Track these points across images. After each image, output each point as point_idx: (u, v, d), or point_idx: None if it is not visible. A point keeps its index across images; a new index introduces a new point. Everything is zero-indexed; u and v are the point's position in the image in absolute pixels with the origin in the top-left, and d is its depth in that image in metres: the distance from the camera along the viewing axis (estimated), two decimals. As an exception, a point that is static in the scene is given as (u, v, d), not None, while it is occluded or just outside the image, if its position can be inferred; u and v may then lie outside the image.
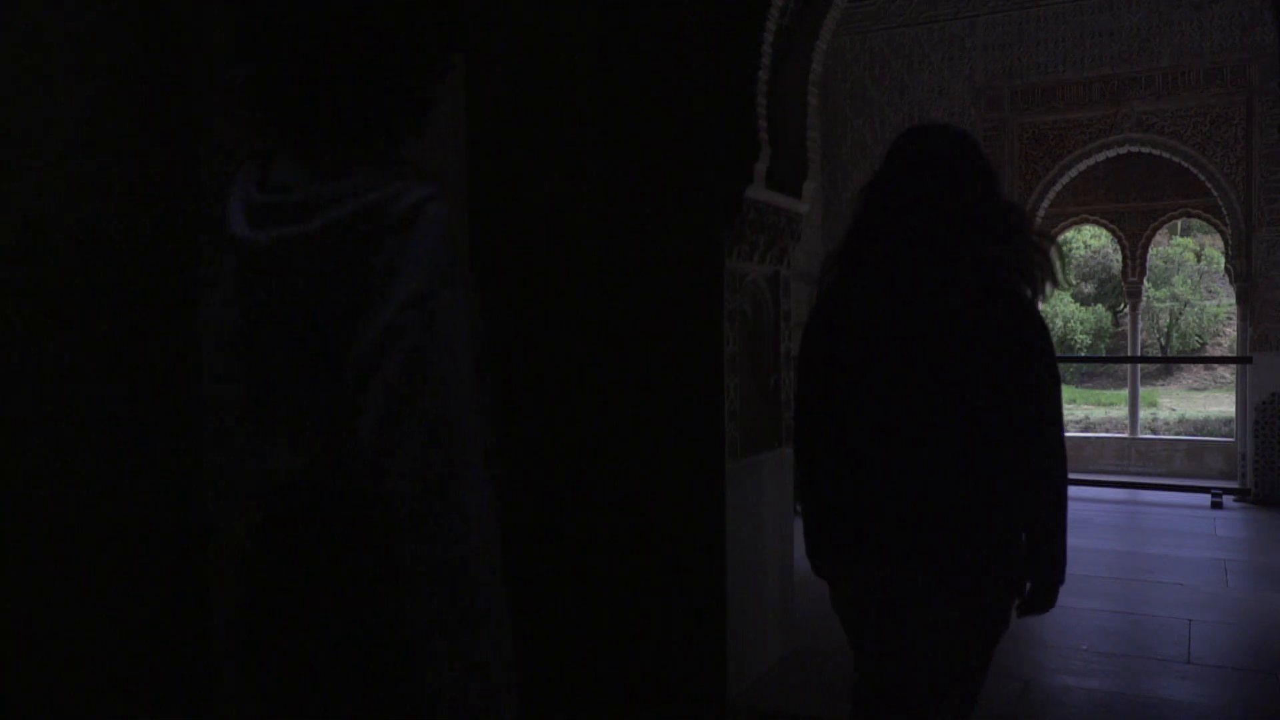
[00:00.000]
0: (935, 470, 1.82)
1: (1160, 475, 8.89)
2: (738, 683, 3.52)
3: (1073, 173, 8.10)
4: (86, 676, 2.03)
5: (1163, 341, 21.61)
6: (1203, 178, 7.71)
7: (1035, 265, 1.88)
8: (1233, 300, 9.51)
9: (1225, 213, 7.73)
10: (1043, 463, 1.86)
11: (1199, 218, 9.68)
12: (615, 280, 3.58)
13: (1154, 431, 14.24)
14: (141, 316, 2.11)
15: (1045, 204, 8.22)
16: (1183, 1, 7.49)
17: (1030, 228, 1.94)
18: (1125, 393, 12.58)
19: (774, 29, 3.57)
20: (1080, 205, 9.51)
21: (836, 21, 3.88)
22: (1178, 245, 22.29)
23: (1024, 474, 1.85)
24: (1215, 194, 7.72)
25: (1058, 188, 8.18)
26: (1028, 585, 1.91)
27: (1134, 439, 9.76)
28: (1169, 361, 21.68)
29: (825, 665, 3.80)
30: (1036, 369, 1.85)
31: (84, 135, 2.01)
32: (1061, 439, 1.90)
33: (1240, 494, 7.56)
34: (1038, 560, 1.89)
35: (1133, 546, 6.16)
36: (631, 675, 3.53)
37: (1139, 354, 11.51)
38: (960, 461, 1.82)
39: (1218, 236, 10.52)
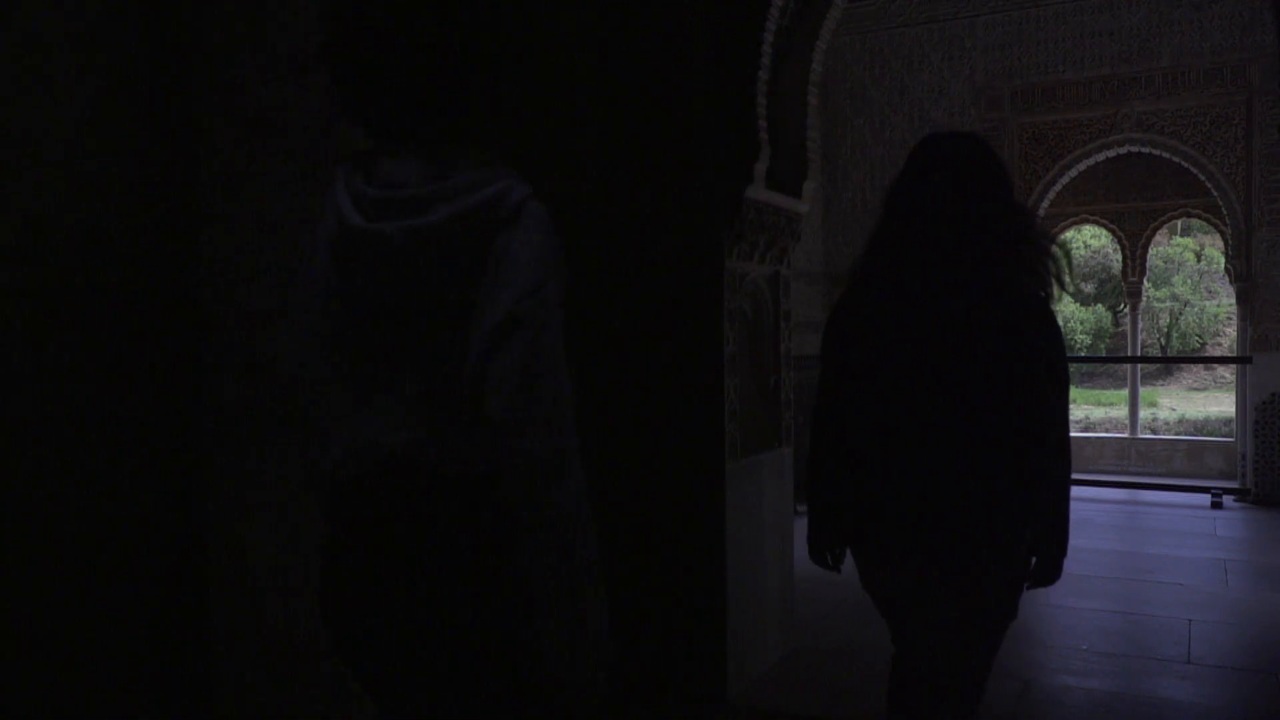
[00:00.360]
0: (943, 468, 1.87)
1: (1160, 475, 8.89)
2: (738, 683, 3.52)
3: (1073, 173, 8.10)
4: (86, 676, 2.03)
5: (1163, 341, 21.61)
6: (1203, 178, 7.71)
7: (1043, 268, 1.94)
8: (1233, 300, 9.50)
9: (1225, 213, 7.73)
10: (1046, 462, 1.91)
11: (1199, 218, 9.68)
12: (615, 280, 3.58)
13: (1154, 431, 14.24)
14: (141, 316, 2.11)
15: (1045, 204, 8.21)
16: (1183, 1, 7.49)
17: (1038, 232, 2.01)
18: (1125, 393, 12.58)
19: (774, 29, 3.57)
20: (1080, 205, 9.51)
21: (836, 21, 3.88)
22: (1178, 245, 22.28)
23: (1030, 472, 1.90)
24: (1215, 194, 7.72)
25: (1058, 188, 8.18)
26: (1033, 560, 1.97)
27: (1134, 439, 9.76)
28: (1169, 361, 21.68)
29: (825, 665, 3.80)
30: (1045, 369, 1.89)
31: (84, 135, 2.01)
32: (1067, 437, 1.96)
33: (1240, 494, 7.56)
34: (1043, 540, 1.96)
35: (1133, 546, 6.15)
36: (631, 675, 3.53)
37: (1139, 354, 11.51)
38: (968, 459, 1.87)
39: (1218, 236, 10.52)
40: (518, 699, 1.27)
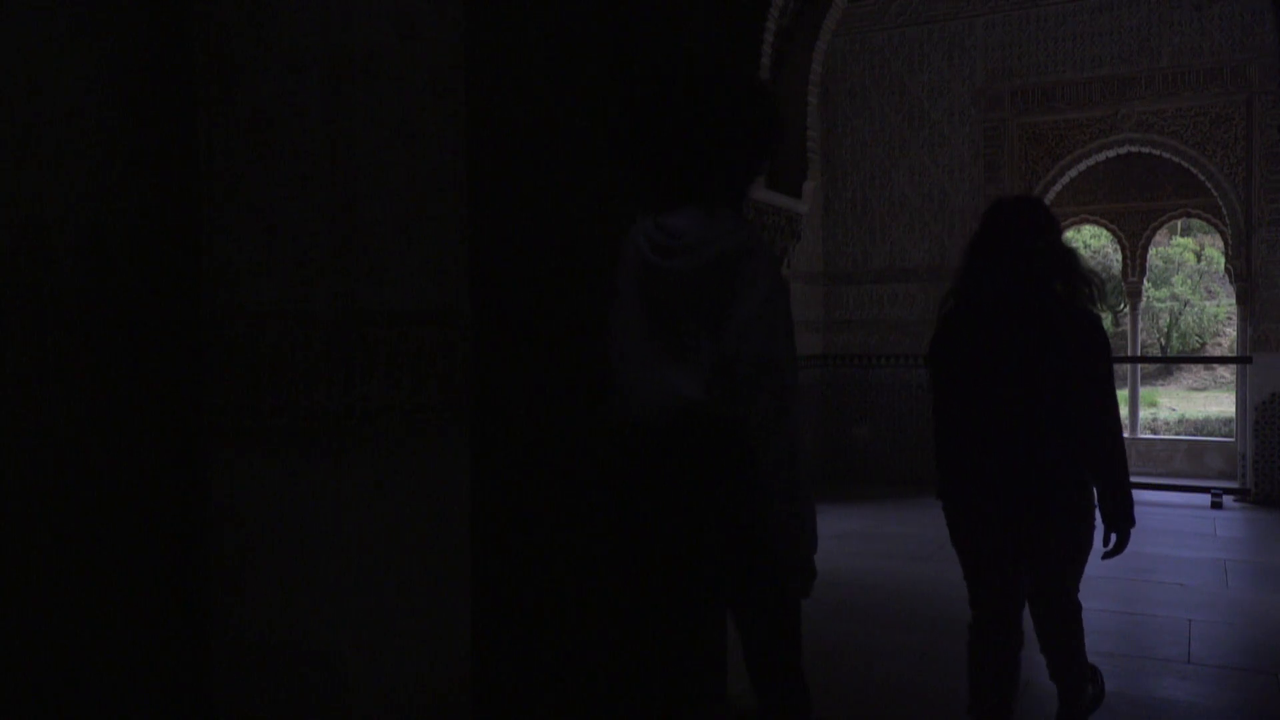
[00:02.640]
0: (1031, 442, 2.53)
1: (1160, 475, 8.89)
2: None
3: (1073, 173, 8.10)
4: (84, 676, 2.03)
5: (1163, 341, 21.61)
6: (1203, 178, 7.71)
7: (1084, 295, 2.63)
8: (1233, 300, 9.51)
9: (1225, 213, 7.73)
10: (1103, 438, 2.57)
11: (1199, 218, 9.68)
12: (615, 280, 3.57)
13: (1154, 431, 14.23)
14: (141, 316, 2.11)
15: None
16: (1183, 1, 7.49)
17: (1081, 265, 2.68)
18: (1125, 393, 12.58)
19: (774, 29, 3.57)
20: (1080, 205, 9.51)
21: (836, 21, 3.89)
22: (1178, 245, 22.27)
23: (1090, 443, 2.56)
24: (1215, 194, 7.72)
25: (1058, 188, 8.18)
26: (1112, 538, 2.66)
27: (1134, 439, 9.76)
28: (1169, 361, 21.67)
29: (825, 665, 3.80)
30: (1100, 368, 2.57)
31: (83, 134, 2.01)
32: (1117, 419, 2.62)
33: (1240, 494, 7.56)
34: (1113, 515, 2.63)
35: (1133, 546, 6.11)
36: (631, 674, 3.53)
37: (1139, 354, 11.51)
38: (1048, 436, 2.53)
39: (1218, 236, 10.52)
40: (758, 578, 1.90)
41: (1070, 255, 2.64)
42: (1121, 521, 2.62)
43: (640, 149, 2.00)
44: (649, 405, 1.92)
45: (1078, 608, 2.81)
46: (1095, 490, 2.62)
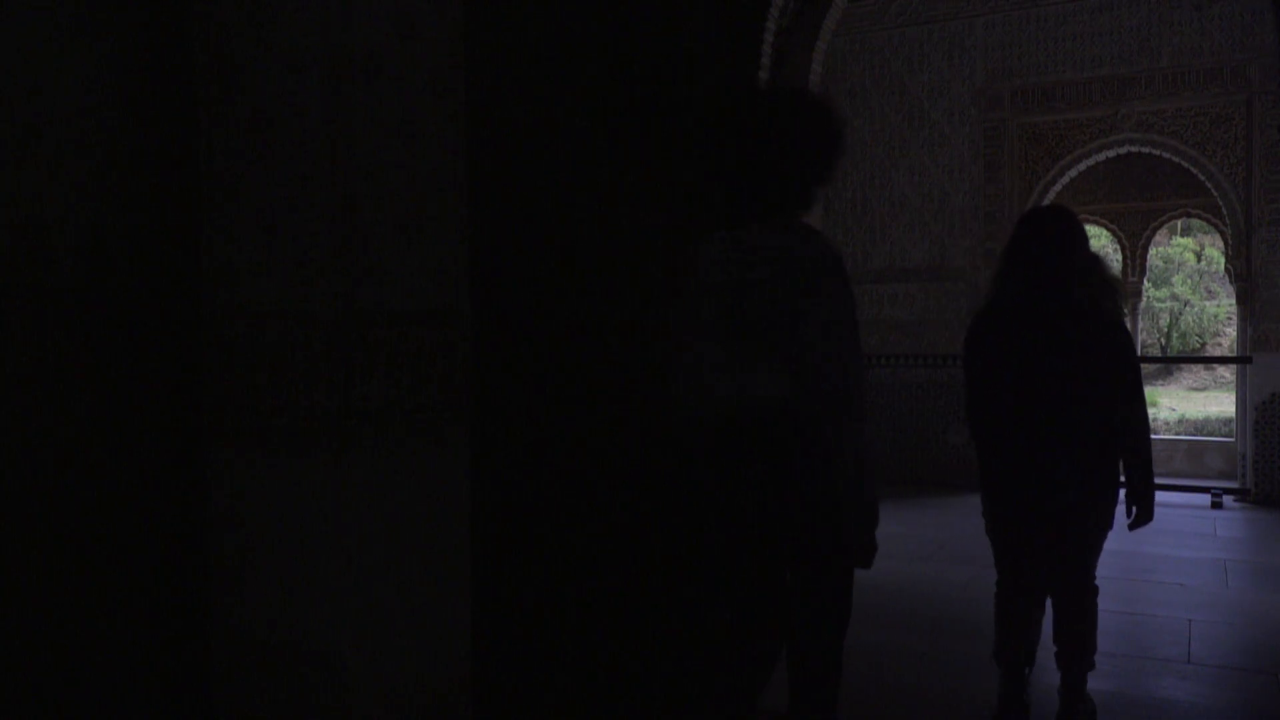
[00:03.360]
0: (1073, 433, 2.84)
1: (1160, 475, 8.85)
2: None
3: (1073, 173, 8.10)
4: (84, 676, 2.03)
5: (1163, 341, 21.60)
6: (1203, 178, 7.71)
7: (1107, 298, 2.90)
8: (1233, 300, 9.51)
9: (1225, 213, 7.73)
10: (1135, 425, 2.89)
11: (1199, 218, 9.69)
12: (615, 280, 3.58)
13: (1154, 431, 14.23)
14: (141, 316, 2.11)
15: (1045, 204, 8.21)
16: (1183, 1, 7.49)
17: (1107, 272, 2.96)
18: (1125, 393, 12.55)
19: (774, 29, 3.57)
20: (1080, 205, 9.51)
21: (836, 21, 3.89)
22: (1178, 245, 22.27)
23: (1122, 430, 2.89)
24: (1215, 194, 7.72)
25: (1058, 188, 8.18)
26: (1133, 510, 3.01)
27: (1134, 439, 9.75)
28: (1169, 361, 21.67)
29: (825, 665, 3.79)
30: (1129, 367, 2.87)
31: (83, 134, 2.01)
32: (1145, 411, 2.92)
33: (1240, 494, 7.56)
34: (1138, 492, 2.99)
35: (1133, 546, 6.15)
36: (631, 674, 3.53)
37: (1139, 354, 11.53)
38: (1085, 425, 2.83)
39: (1218, 236, 10.52)
40: (827, 551, 2.14)
41: (1097, 262, 2.93)
42: (1146, 496, 2.99)
43: (717, 168, 2.23)
44: (732, 403, 2.14)
45: (1095, 590, 3.08)
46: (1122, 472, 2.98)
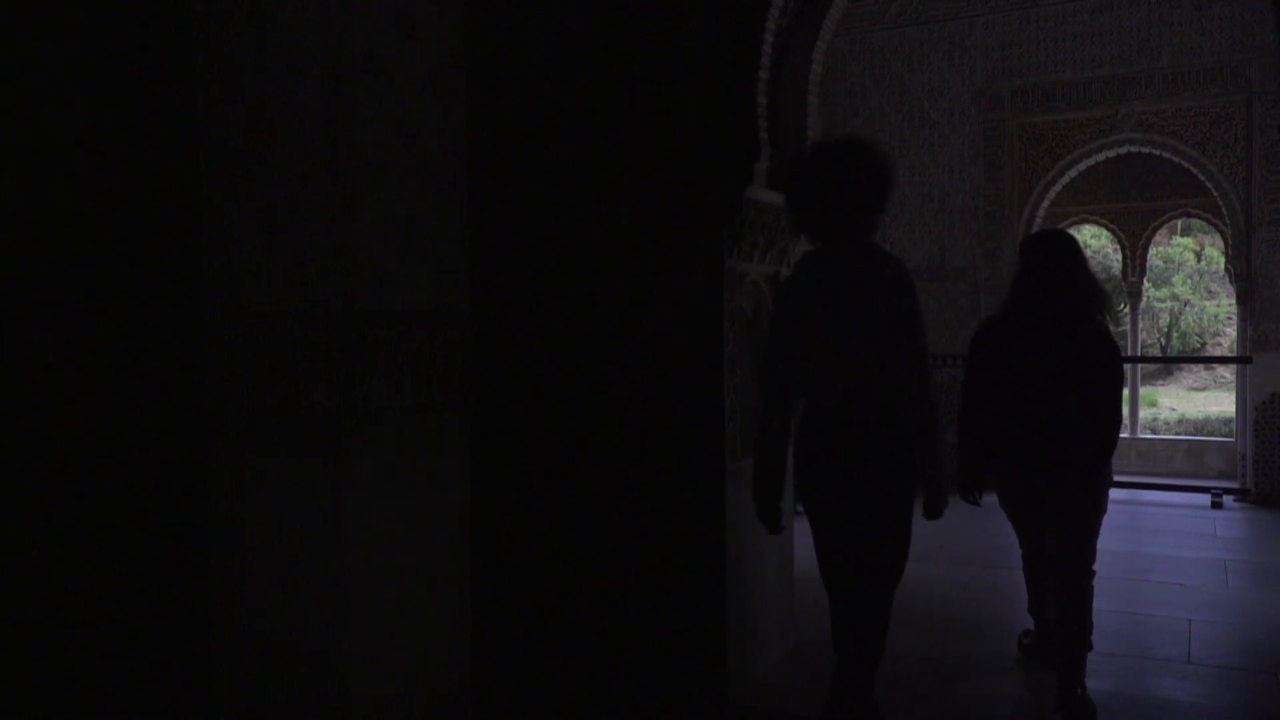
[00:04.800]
0: (1061, 429, 3.19)
1: (1160, 475, 8.89)
2: (738, 683, 3.52)
3: (1073, 173, 8.09)
4: (84, 676, 2.03)
5: (1163, 341, 21.59)
6: (1203, 178, 7.71)
7: (1102, 308, 3.33)
8: (1233, 300, 9.51)
9: (1225, 213, 7.73)
10: (1107, 420, 3.23)
11: (1199, 218, 9.68)
12: (615, 280, 3.58)
13: (1154, 431, 14.22)
14: (141, 316, 2.11)
15: (1045, 204, 8.21)
16: (1183, 1, 7.48)
17: (1100, 287, 3.36)
18: (1125, 392, 12.56)
19: (774, 29, 3.57)
20: (1080, 205, 9.51)
21: (836, 21, 3.88)
22: (1178, 245, 22.25)
23: (1099, 426, 3.21)
24: (1215, 194, 7.72)
25: (1058, 188, 8.18)
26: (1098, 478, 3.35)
27: (1134, 439, 9.75)
28: (1169, 361, 21.65)
29: (825, 665, 3.79)
30: (1113, 370, 3.23)
31: (83, 133, 2.01)
32: (1120, 409, 3.26)
33: (1240, 494, 7.56)
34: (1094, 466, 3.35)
35: (1133, 546, 6.16)
36: (632, 675, 3.53)
37: (1139, 354, 11.51)
38: (1071, 423, 3.18)
39: (1218, 236, 10.52)
40: (906, 503, 2.83)
41: (1092, 280, 3.34)
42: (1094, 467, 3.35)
43: (809, 203, 2.87)
44: (841, 394, 2.81)
45: (1093, 573, 3.38)
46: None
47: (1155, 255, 19.87)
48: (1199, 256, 22.48)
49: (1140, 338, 10.73)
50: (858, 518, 2.81)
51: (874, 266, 2.78)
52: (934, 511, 2.89)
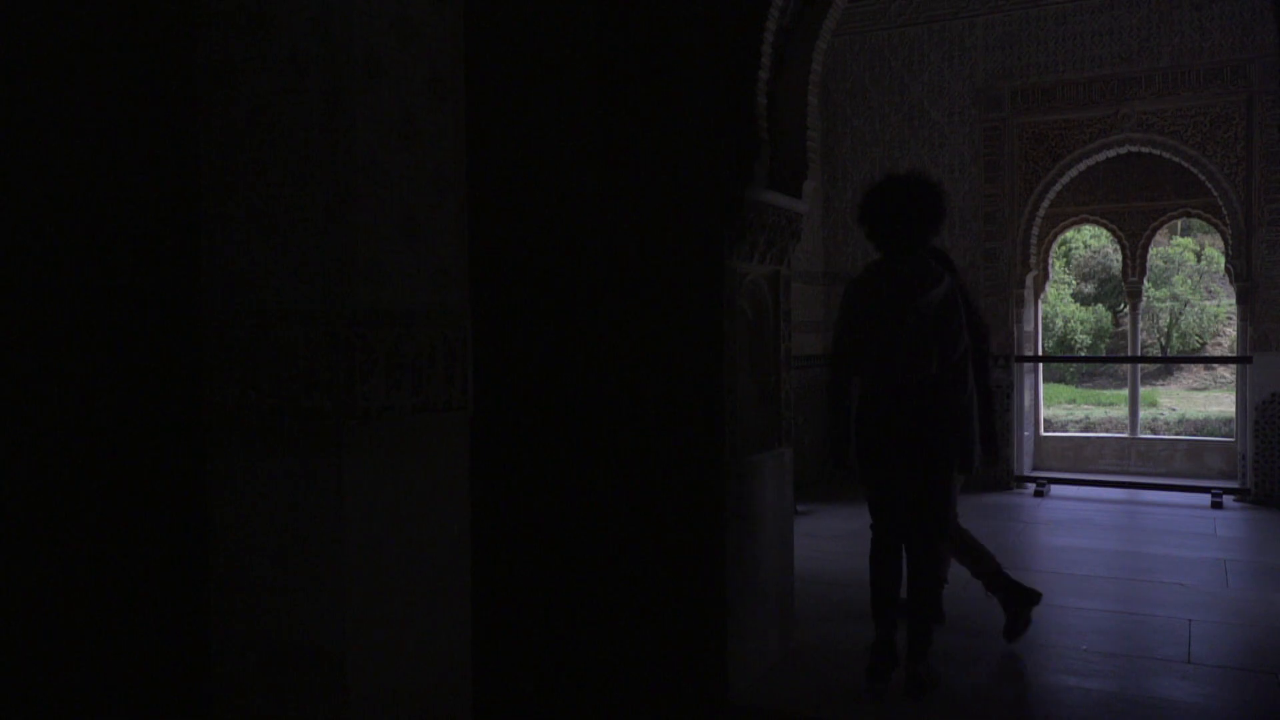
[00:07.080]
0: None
1: (1160, 475, 8.88)
2: (738, 683, 3.52)
3: (1073, 173, 8.09)
4: (84, 676, 2.03)
5: (1163, 341, 21.60)
6: (1203, 178, 7.70)
7: (951, 270, 3.80)
8: (1233, 300, 9.50)
9: (1225, 213, 7.73)
10: (958, 390, 3.48)
11: (1199, 218, 9.67)
12: (615, 280, 3.58)
13: (1154, 431, 14.22)
14: (141, 317, 2.12)
15: (1045, 204, 8.20)
16: (1183, 1, 7.48)
17: (944, 252, 4.06)
18: (1125, 393, 12.58)
19: (774, 29, 3.57)
20: (1080, 205, 9.50)
21: (836, 21, 3.88)
22: (1178, 245, 22.26)
23: (954, 386, 3.47)
24: (1215, 194, 7.71)
25: (1058, 188, 8.17)
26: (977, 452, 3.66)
27: (1134, 439, 9.75)
28: (1169, 361, 21.66)
29: (825, 665, 3.80)
30: (961, 331, 3.47)
31: (83, 134, 2.01)
32: (970, 374, 3.51)
33: (1240, 494, 7.55)
34: (979, 442, 3.72)
35: (1133, 546, 6.15)
36: (631, 675, 3.54)
37: (1139, 354, 11.51)
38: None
39: (1218, 236, 10.52)
40: (947, 457, 3.47)
41: (939, 251, 3.86)
42: (974, 451, 3.67)
43: (876, 223, 3.47)
44: (900, 377, 3.43)
45: (947, 537, 3.72)
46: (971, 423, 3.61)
47: (1155, 255, 19.88)
48: (1199, 256, 22.49)
49: (1140, 338, 10.73)
50: (906, 479, 3.46)
51: (923, 277, 3.41)
52: (966, 467, 3.54)
